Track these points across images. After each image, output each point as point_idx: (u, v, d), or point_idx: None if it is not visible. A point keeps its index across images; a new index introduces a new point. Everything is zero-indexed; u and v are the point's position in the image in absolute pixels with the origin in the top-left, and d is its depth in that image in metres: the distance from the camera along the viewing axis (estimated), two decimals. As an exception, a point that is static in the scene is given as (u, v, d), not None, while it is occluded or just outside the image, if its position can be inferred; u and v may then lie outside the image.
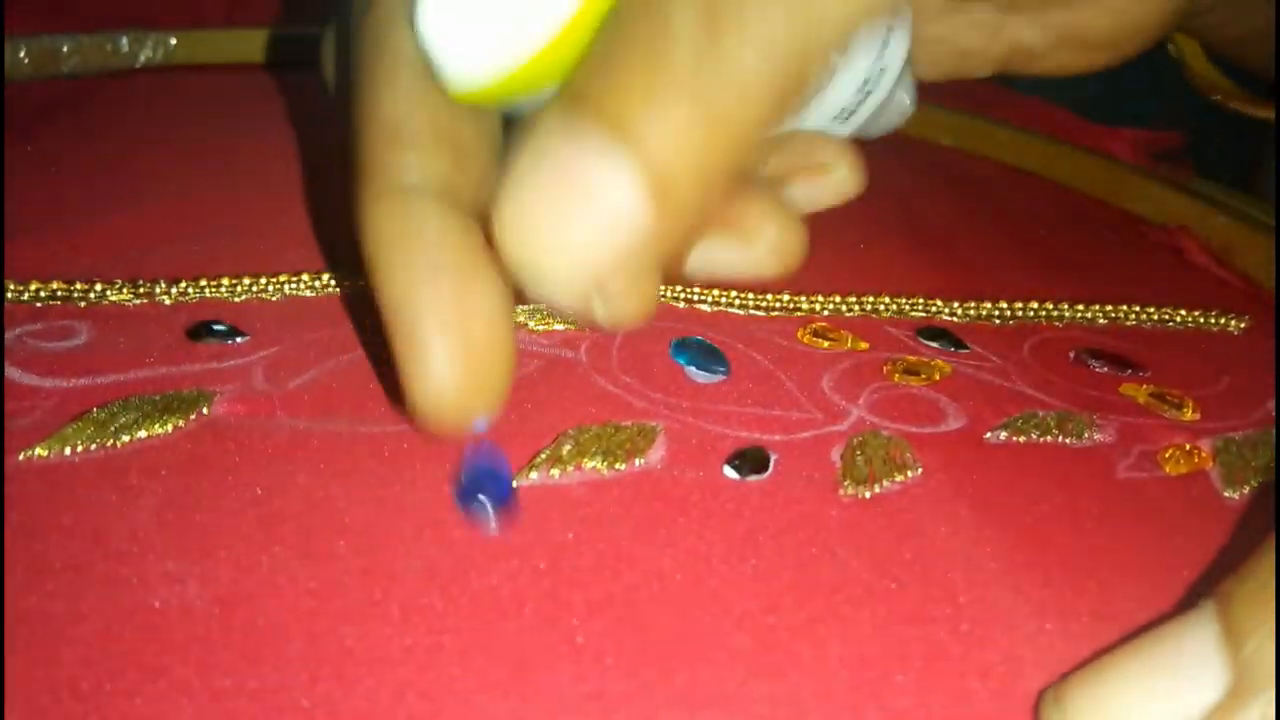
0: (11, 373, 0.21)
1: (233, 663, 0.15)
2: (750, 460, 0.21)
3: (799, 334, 0.27)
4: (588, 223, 0.16)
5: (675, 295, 0.28)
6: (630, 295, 0.17)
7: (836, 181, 0.24)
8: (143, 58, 0.45)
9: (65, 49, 0.43)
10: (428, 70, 0.19)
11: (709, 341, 0.25)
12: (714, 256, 0.21)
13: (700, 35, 0.16)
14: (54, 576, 0.16)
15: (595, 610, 0.17)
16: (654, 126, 0.16)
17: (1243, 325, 0.31)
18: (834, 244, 0.34)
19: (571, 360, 0.24)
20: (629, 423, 0.22)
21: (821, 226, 0.36)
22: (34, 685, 0.15)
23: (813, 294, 0.29)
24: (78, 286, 0.25)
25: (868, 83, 0.26)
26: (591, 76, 0.16)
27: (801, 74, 0.17)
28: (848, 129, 0.27)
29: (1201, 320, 0.31)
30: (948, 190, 0.42)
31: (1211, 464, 0.23)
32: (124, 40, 0.45)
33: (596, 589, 0.17)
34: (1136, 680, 0.14)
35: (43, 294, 0.24)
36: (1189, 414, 0.25)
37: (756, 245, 0.21)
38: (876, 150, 0.46)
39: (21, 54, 0.42)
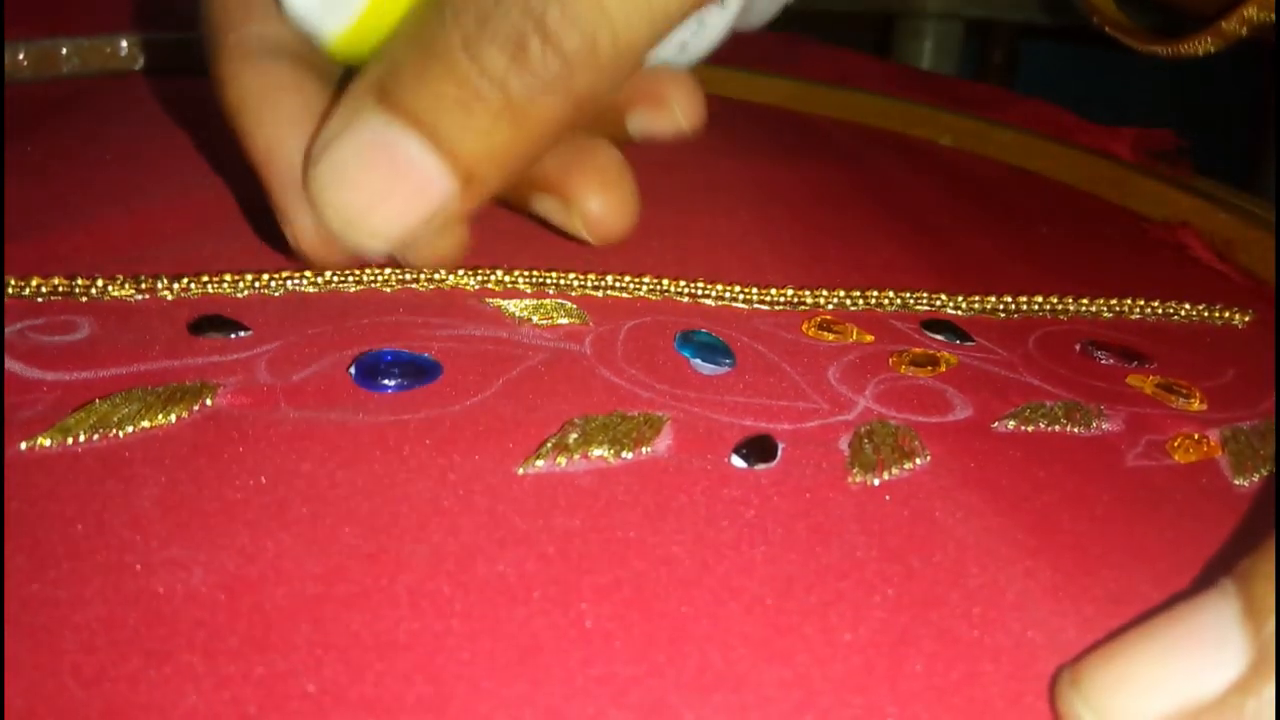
0: (13, 366, 0.21)
1: (238, 648, 0.15)
2: (758, 449, 0.21)
3: (804, 327, 0.27)
4: (401, 196, 0.18)
5: (679, 290, 0.28)
6: (438, 243, 0.21)
7: (673, 115, 0.25)
8: (142, 60, 0.45)
9: (64, 51, 0.43)
10: None
11: (713, 335, 0.25)
12: (546, 211, 0.23)
13: (509, 45, 0.18)
14: (56, 564, 0.16)
15: (604, 595, 0.17)
16: (463, 133, 0.18)
17: (1247, 319, 0.31)
18: (836, 242, 0.34)
19: (576, 353, 0.24)
20: (635, 412, 0.22)
21: (823, 225, 0.36)
22: (36, 671, 0.14)
23: (816, 288, 0.29)
24: (79, 281, 0.25)
25: (700, 17, 0.26)
26: (402, 71, 0.18)
27: (613, 75, 0.19)
28: (686, 58, 0.26)
29: (1206, 314, 0.31)
30: (949, 190, 0.42)
31: (1220, 453, 0.23)
32: (123, 42, 0.45)
33: (605, 574, 0.17)
34: (1155, 658, 0.14)
35: (44, 289, 0.24)
36: (1197, 404, 0.25)
37: (574, 215, 0.23)
38: (877, 151, 0.47)
39: (21, 56, 0.42)
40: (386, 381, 0.21)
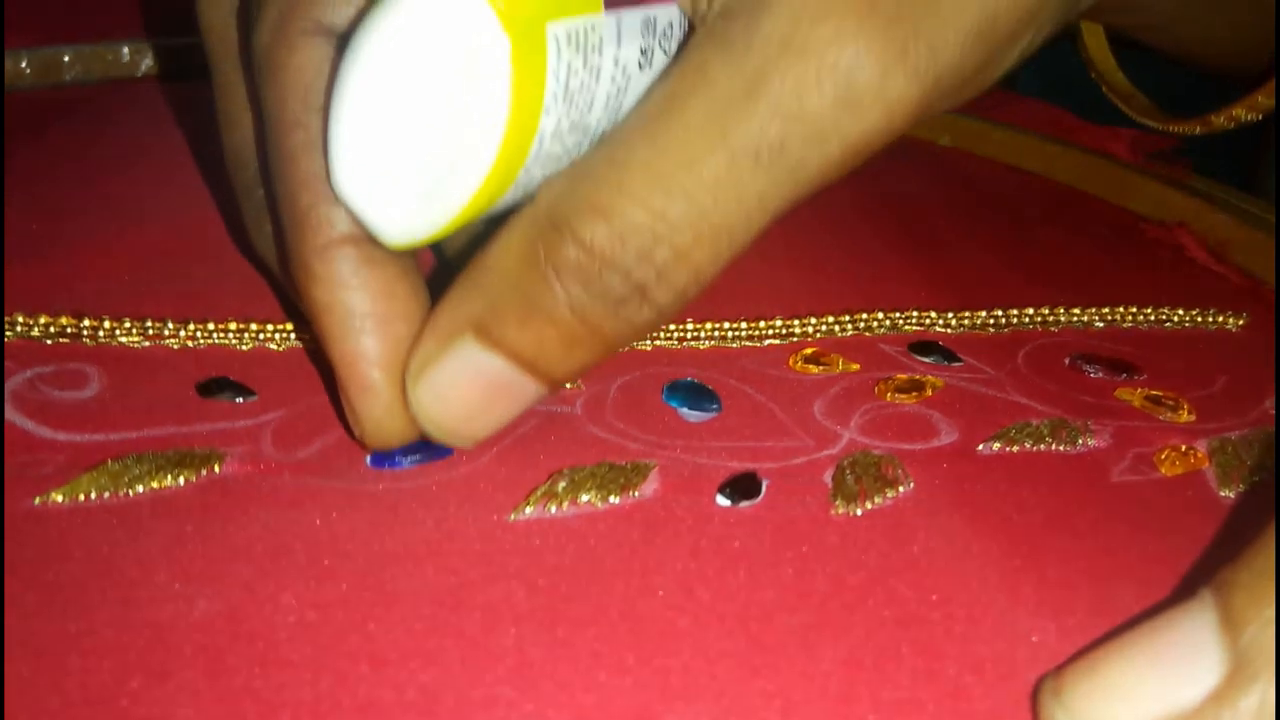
0: (25, 424, 0.22)
1: (236, 667, 0.16)
2: (742, 487, 0.21)
3: (791, 361, 0.27)
4: (497, 410, 0.21)
5: (669, 336, 0.28)
6: None
7: None
8: (144, 67, 0.46)
9: (67, 59, 0.43)
10: None
11: (700, 381, 0.26)
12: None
13: (611, 304, 0.19)
14: (65, 600, 0.17)
15: (591, 619, 0.17)
16: (559, 364, 0.20)
17: (1240, 323, 0.31)
18: (830, 249, 0.34)
19: (568, 415, 0.24)
20: (624, 462, 0.22)
21: (817, 230, 0.36)
22: (41, 691, 0.15)
23: (805, 316, 0.29)
24: (86, 324, 0.25)
25: None
26: (505, 315, 0.19)
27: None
28: None
29: (1199, 319, 0.31)
30: (947, 190, 0.42)
31: (1207, 464, 0.24)
32: (125, 50, 0.45)
33: (591, 602, 0.18)
34: (1135, 668, 0.15)
35: (52, 329, 0.25)
36: (1185, 415, 0.26)
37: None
38: (876, 151, 0.47)
39: (23, 64, 0.42)
40: (401, 459, 0.22)
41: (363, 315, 0.20)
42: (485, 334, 0.19)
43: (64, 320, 0.25)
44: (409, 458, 0.22)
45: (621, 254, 0.18)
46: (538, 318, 0.19)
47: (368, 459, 0.22)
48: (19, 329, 0.25)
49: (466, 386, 0.20)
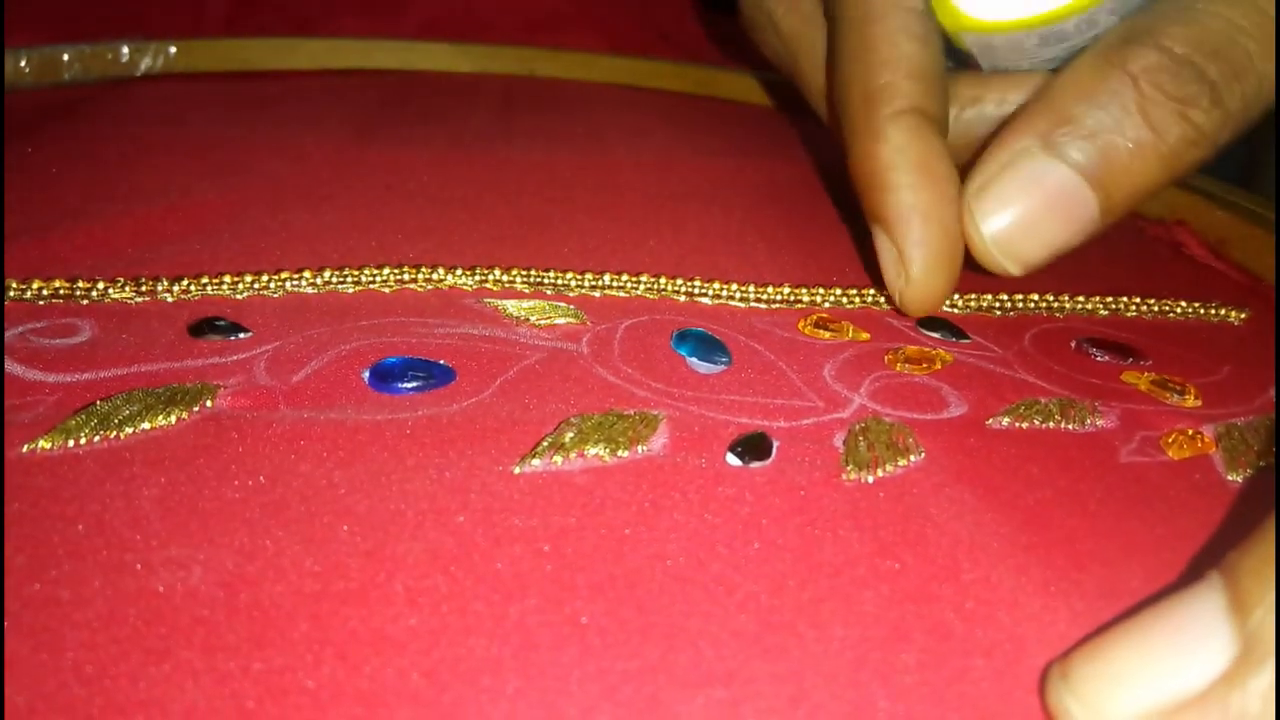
0: (14, 369, 0.21)
1: (236, 645, 0.15)
2: (752, 447, 0.21)
3: (800, 325, 0.27)
4: (1053, 223, 0.23)
5: (676, 289, 0.28)
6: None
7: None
8: (143, 66, 0.46)
9: (66, 58, 0.44)
10: (916, 8, 0.25)
11: (710, 333, 0.25)
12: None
13: (1180, 104, 0.21)
14: (57, 564, 0.16)
15: (598, 592, 0.17)
16: (1123, 174, 0.22)
17: (1243, 316, 0.31)
18: (834, 240, 0.34)
19: (573, 353, 0.24)
20: (631, 411, 0.22)
21: (821, 222, 0.36)
22: (38, 669, 0.15)
23: (813, 286, 0.29)
24: (80, 284, 0.25)
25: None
26: (1073, 116, 0.22)
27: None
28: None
29: (1201, 311, 0.31)
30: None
31: (1214, 449, 0.23)
32: (124, 49, 0.45)
33: (599, 571, 0.17)
34: (1143, 651, 0.14)
35: (45, 292, 0.24)
36: (1191, 400, 0.25)
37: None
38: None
39: (23, 63, 0.42)
40: (404, 385, 0.22)
41: (921, 169, 0.23)
42: (1050, 145, 0.21)
43: (57, 283, 0.25)
44: (410, 384, 0.21)
45: (1196, 51, 0.20)
46: (1104, 126, 0.20)
47: (366, 375, 0.21)
48: (11, 293, 0.24)
49: (1027, 195, 0.22)
